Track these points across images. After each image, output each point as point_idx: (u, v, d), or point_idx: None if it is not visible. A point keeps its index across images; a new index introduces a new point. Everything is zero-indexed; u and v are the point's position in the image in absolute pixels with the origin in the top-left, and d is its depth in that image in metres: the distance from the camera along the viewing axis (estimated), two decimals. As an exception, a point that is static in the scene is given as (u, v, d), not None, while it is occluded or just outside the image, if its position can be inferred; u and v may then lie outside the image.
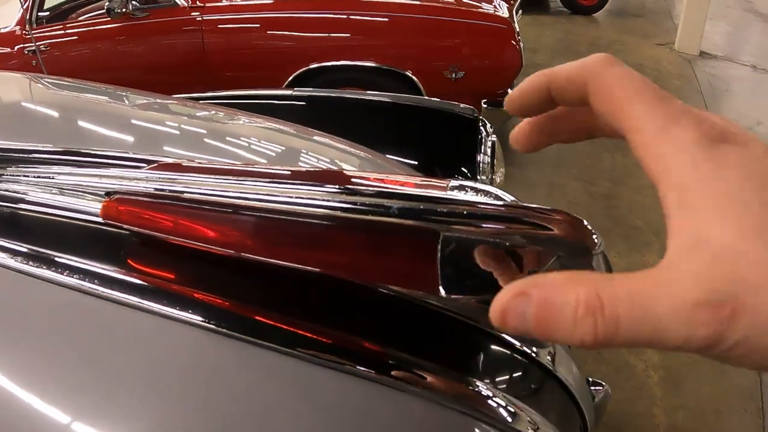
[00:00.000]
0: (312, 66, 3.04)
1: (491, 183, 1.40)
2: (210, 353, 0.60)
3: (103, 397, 0.56)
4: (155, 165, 0.74)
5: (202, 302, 0.62)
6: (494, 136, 1.43)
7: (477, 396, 0.62)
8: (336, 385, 0.59)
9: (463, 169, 1.38)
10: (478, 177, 1.37)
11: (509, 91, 3.19)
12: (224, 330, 0.60)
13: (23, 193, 0.77)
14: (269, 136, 1.20)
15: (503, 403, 0.63)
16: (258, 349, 0.59)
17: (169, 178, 0.66)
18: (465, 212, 0.54)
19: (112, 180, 0.70)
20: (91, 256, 0.68)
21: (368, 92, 1.53)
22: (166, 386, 0.57)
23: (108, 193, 0.70)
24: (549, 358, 0.76)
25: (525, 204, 0.55)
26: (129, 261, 0.68)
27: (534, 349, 0.73)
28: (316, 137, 1.22)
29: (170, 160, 0.82)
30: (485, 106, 3.01)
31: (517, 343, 0.71)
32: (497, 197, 0.60)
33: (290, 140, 1.20)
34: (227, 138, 1.16)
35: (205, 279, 0.66)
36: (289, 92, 1.55)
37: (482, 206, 0.55)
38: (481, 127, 1.39)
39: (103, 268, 0.66)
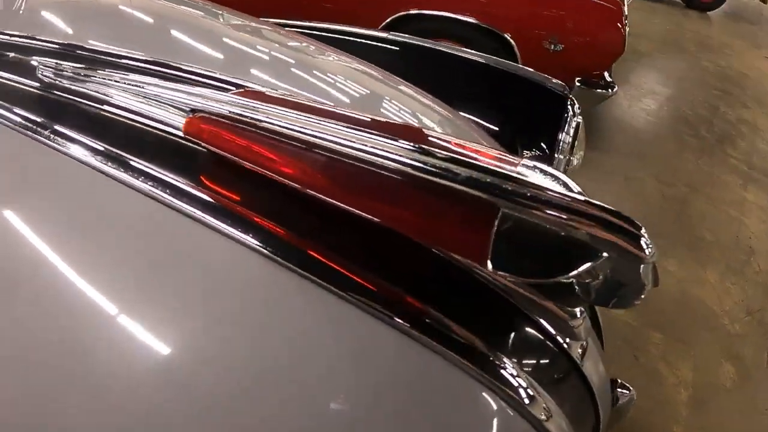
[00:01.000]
0: (411, 11, 2.99)
1: (568, 163, 1.37)
2: (262, 278, 0.63)
3: (161, 305, 0.60)
4: (241, 90, 0.76)
5: (261, 227, 0.65)
6: (580, 117, 1.39)
7: (501, 371, 0.63)
8: (371, 331, 0.61)
9: (542, 144, 1.35)
10: (556, 155, 1.34)
11: (605, 74, 3.08)
12: (278, 258, 0.62)
13: (110, 96, 0.80)
14: (355, 77, 1.20)
15: (524, 384, 0.64)
16: (304, 282, 0.62)
17: (252, 106, 0.68)
18: (529, 194, 0.55)
19: (198, 98, 0.72)
20: (166, 166, 0.71)
21: (463, 49, 1.50)
22: (220, 305, 0.61)
23: (193, 110, 0.73)
24: (580, 351, 0.76)
25: (590, 199, 0.55)
26: (201, 177, 0.71)
27: (567, 340, 0.73)
28: (401, 87, 1.22)
29: (256, 88, 0.84)
30: (578, 84, 2.91)
31: (552, 331, 0.72)
32: (565, 185, 0.59)
33: (375, 85, 1.20)
34: (314, 72, 1.17)
35: (268, 206, 0.68)
36: (383, 35, 1.54)
37: (547, 192, 0.55)
38: (569, 106, 1.35)
39: (176, 179, 0.69)
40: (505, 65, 1.40)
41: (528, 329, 0.72)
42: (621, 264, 0.58)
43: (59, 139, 0.74)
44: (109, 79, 0.81)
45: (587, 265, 0.57)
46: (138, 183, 0.69)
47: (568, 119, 1.35)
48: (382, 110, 1.08)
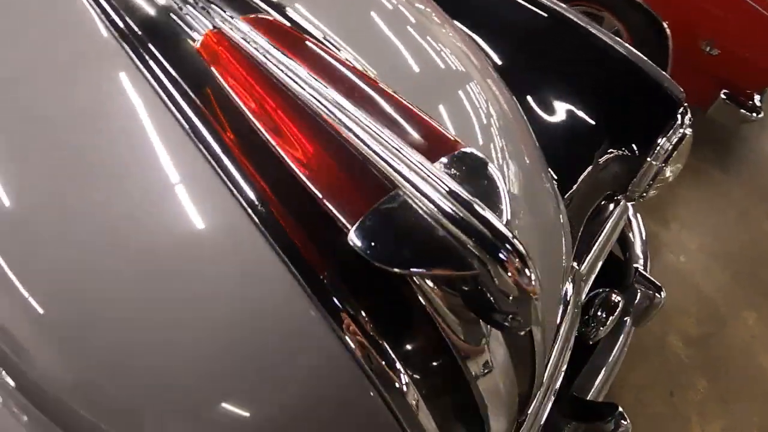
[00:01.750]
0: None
1: (659, 172, 1.26)
2: (212, 197, 0.64)
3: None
4: (253, 17, 0.75)
5: (242, 169, 0.64)
6: (690, 129, 1.26)
7: (385, 369, 0.59)
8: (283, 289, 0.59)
9: (633, 145, 1.24)
10: (648, 159, 1.24)
11: (755, 96, 2.76)
12: (246, 206, 0.62)
13: None
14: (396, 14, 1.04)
15: (407, 391, 0.60)
16: (261, 240, 0.60)
17: (265, 47, 0.71)
18: (418, 185, 0.56)
19: (223, 20, 0.76)
20: (177, 66, 0.72)
21: (592, 24, 1.37)
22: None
23: (215, 27, 0.74)
24: (479, 366, 0.67)
25: (482, 211, 0.54)
26: (206, 91, 0.71)
27: (465, 348, 0.65)
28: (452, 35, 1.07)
29: (274, 18, 0.82)
30: (723, 97, 2.64)
31: (451, 337, 0.63)
32: (488, 186, 0.59)
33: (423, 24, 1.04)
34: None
35: (251, 146, 0.66)
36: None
37: (437, 186, 0.55)
38: (679, 114, 1.22)
39: (179, 82, 0.71)
40: (627, 51, 1.27)
41: (424, 329, 0.63)
42: (489, 285, 0.54)
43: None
44: None
45: (446, 271, 0.54)
46: (144, 70, 0.72)
47: (674, 127, 1.22)
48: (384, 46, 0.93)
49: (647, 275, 1.48)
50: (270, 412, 0.58)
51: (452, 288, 0.58)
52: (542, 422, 0.93)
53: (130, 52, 0.74)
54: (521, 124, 0.95)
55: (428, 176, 0.56)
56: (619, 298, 1.29)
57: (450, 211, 0.54)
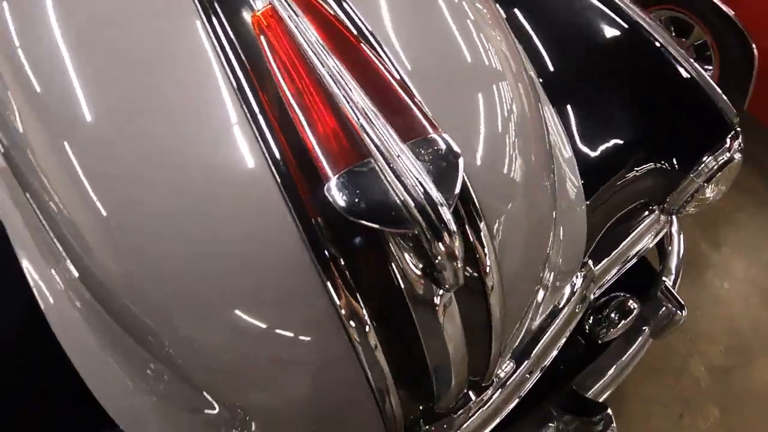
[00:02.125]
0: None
1: (698, 190, 1.27)
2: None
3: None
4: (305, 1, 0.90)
5: (272, 127, 0.80)
6: (739, 155, 1.26)
7: (353, 305, 0.76)
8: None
9: (674, 159, 1.25)
10: (690, 174, 1.26)
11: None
12: (269, 157, 0.79)
13: None
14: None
15: (368, 332, 0.77)
16: (275, 187, 0.77)
17: (304, 28, 0.85)
18: (386, 157, 0.71)
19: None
20: (235, 29, 0.88)
21: (663, 33, 1.37)
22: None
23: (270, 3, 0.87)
24: (430, 325, 0.80)
25: (429, 189, 0.68)
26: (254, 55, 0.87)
27: (420, 307, 0.79)
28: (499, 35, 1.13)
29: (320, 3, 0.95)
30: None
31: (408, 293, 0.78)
32: (446, 168, 0.73)
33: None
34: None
35: (279, 109, 0.82)
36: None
37: (402, 165, 0.70)
38: (729, 138, 1.23)
39: (234, 44, 0.87)
40: (689, 66, 1.28)
41: (388, 283, 0.77)
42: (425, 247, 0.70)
43: None
44: None
45: (391, 228, 0.70)
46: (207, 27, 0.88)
47: (721, 150, 1.23)
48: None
49: (674, 291, 1.49)
50: (262, 316, 0.79)
51: (408, 247, 0.73)
52: (521, 394, 1.00)
53: (201, 12, 0.90)
54: (537, 127, 1.04)
55: (395, 152, 0.72)
56: (635, 306, 1.32)
57: (404, 182, 0.70)
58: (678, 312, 1.46)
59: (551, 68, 1.32)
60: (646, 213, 1.32)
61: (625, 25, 1.35)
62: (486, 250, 0.79)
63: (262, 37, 0.87)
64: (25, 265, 1.01)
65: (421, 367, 0.83)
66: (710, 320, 2.37)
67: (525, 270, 0.95)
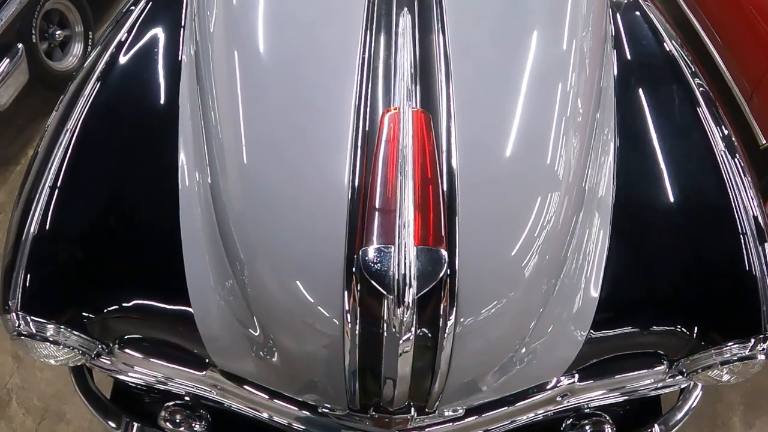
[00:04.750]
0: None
1: (711, 366, 1.35)
2: None
3: None
4: (417, 112, 1.29)
5: (363, 162, 1.26)
6: (763, 356, 1.33)
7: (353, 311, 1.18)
8: None
9: (701, 329, 1.35)
10: (711, 350, 1.34)
11: None
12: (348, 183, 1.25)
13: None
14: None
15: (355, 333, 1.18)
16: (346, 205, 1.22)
17: (405, 134, 1.24)
18: (399, 251, 1.10)
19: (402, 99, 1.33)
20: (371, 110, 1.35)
21: (757, 218, 1.43)
22: None
23: (395, 108, 1.33)
24: (391, 350, 1.17)
25: (408, 282, 1.09)
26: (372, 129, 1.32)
27: (389, 334, 1.16)
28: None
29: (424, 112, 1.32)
30: None
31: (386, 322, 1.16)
32: (431, 271, 1.13)
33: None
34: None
35: (367, 178, 1.25)
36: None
37: (403, 261, 1.09)
38: (754, 339, 1.31)
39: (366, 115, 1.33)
40: (758, 265, 1.37)
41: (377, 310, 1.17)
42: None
43: None
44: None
45: (379, 287, 1.12)
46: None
47: (748, 343, 1.31)
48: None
49: None
50: (308, 290, 1.23)
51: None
52: None
53: (357, 87, 1.36)
54: (560, 238, 1.32)
55: (407, 250, 1.08)
56: (609, 430, 1.45)
57: (400, 269, 1.07)
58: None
59: (632, 191, 1.47)
60: (656, 361, 1.40)
61: (722, 198, 1.45)
62: (447, 330, 1.15)
63: (385, 123, 1.27)
64: (181, 149, 1.49)
65: (377, 371, 1.21)
66: None
67: (492, 343, 1.27)
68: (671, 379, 1.44)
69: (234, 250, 1.30)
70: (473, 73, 1.43)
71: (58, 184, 1.39)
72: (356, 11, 1.49)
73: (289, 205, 1.28)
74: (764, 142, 2.79)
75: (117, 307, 1.32)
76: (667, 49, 1.80)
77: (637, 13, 1.94)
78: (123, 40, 1.71)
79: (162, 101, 1.61)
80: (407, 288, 1.06)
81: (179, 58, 1.68)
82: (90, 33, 3.42)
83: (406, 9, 1.49)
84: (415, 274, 1.07)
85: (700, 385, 1.60)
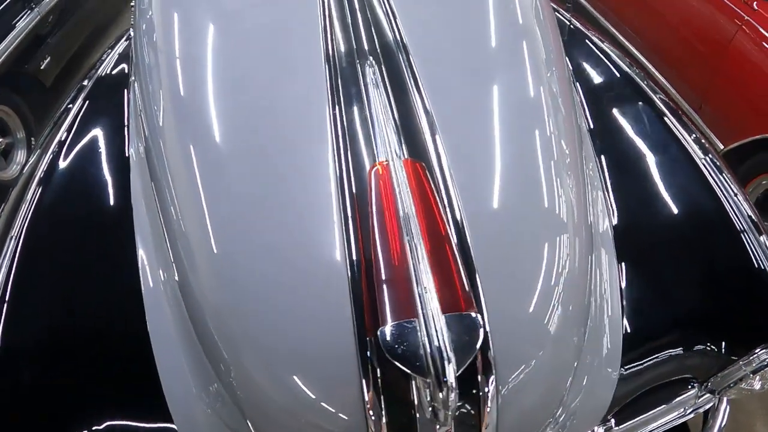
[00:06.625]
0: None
1: (742, 378, 1.29)
2: None
3: None
4: (409, 162, 1.19)
5: (357, 237, 1.11)
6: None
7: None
8: None
9: (726, 343, 1.28)
10: (739, 362, 1.28)
11: None
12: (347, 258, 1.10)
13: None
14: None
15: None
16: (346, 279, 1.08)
17: (402, 188, 1.14)
18: (426, 324, 0.94)
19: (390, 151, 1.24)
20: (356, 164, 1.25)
21: (752, 217, 1.39)
22: None
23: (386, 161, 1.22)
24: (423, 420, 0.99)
25: (445, 361, 0.91)
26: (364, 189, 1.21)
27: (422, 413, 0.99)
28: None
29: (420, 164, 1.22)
30: None
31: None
32: (468, 341, 0.98)
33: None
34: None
35: (364, 226, 1.13)
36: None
37: (434, 333, 0.93)
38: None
39: (350, 175, 1.23)
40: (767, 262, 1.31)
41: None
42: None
43: None
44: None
45: (413, 372, 0.96)
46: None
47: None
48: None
49: None
50: (310, 388, 1.05)
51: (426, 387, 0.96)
52: None
53: (333, 142, 1.25)
54: (580, 282, 1.20)
55: (435, 321, 0.93)
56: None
57: (432, 345, 0.91)
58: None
59: (630, 218, 1.41)
60: (687, 388, 1.32)
61: (716, 203, 1.41)
62: (489, 401, 1.00)
63: (373, 180, 1.16)
64: (139, 247, 1.32)
65: None
66: None
67: (531, 410, 1.09)
68: (700, 400, 1.36)
69: (215, 350, 1.13)
70: (456, 119, 1.35)
71: (6, 298, 1.23)
72: (315, 65, 1.40)
73: (274, 290, 1.11)
74: (721, 147, 2.81)
75: (85, 433, 1.12)
76: (624, 71, 1.80)
77: (587, 41, 1.95)
78: (63, 139, 1.60)
79: (112, 200, 1.47)
80: (446, 364, 0.89)
81: (126, 155, 1.56)
82: (32, 139, 3.29)
83: (371, 59, 1.42)
84: (451, 347, 0.92)
85: (725, 401, 1.52)
